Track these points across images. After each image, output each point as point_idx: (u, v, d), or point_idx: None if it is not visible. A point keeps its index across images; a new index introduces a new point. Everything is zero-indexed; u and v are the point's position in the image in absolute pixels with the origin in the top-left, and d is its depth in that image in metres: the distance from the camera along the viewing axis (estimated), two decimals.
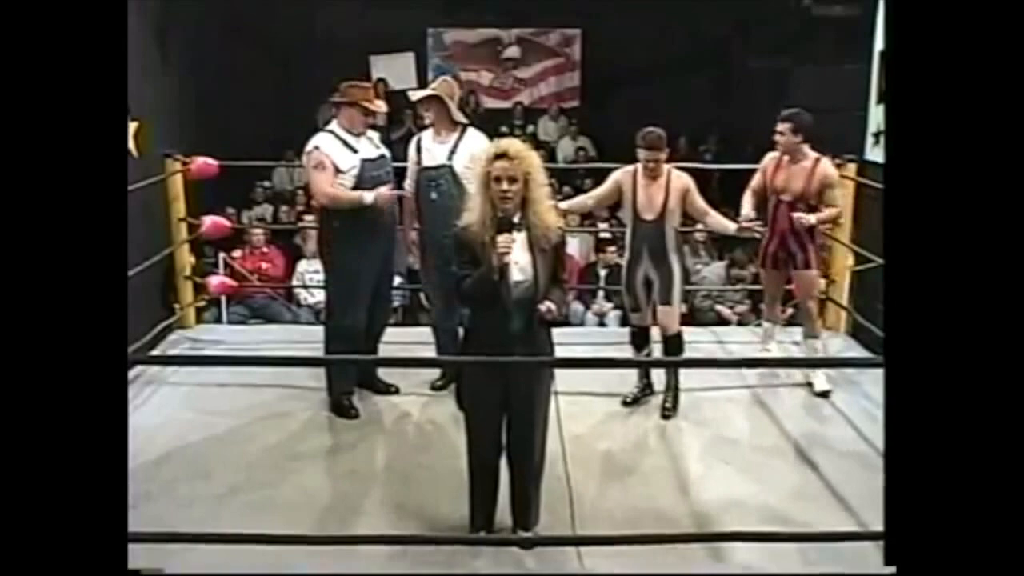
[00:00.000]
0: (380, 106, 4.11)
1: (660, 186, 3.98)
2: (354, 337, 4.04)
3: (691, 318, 6.75)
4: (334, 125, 4.04)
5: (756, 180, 4.57)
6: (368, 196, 3.90)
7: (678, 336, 4.11)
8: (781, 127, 4.39)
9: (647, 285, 4.09)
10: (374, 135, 4.18)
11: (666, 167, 4.01)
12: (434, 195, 4.05)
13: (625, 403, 4.17)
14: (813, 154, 4.38)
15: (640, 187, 4.01)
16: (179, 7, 7.89)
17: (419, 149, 4.15)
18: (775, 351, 4.74)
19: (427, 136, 4.16)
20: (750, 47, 9.73)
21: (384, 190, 3.95)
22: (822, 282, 4.86)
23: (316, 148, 3.95)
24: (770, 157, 4.49)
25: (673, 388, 4.11)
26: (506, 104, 10.83)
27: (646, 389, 4.23)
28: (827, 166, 4.36)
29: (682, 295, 4.17)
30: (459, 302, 3.27)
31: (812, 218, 4.27)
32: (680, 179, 4.01)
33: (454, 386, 4.08)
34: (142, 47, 6.20)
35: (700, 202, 4.04)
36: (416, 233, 4.29)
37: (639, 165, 4.00)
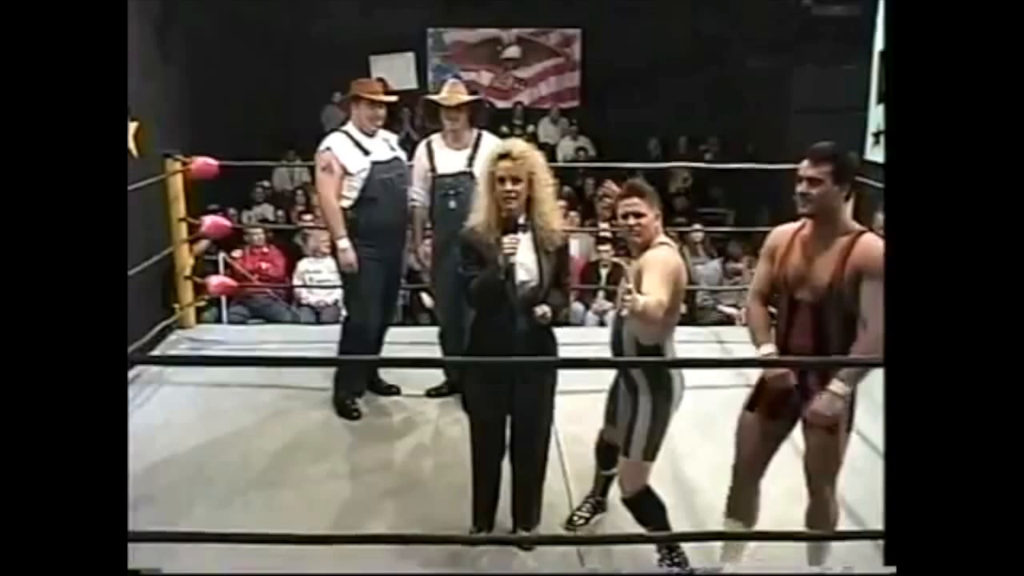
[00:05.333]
0: (387, 98, 4.09)
1: (634, 268, 2.77)
2: (369, 335, 4.06)
3: (692, 318, 6.74)
4: (349, 126, 4.05)
5: (761, 274, 2.80)
6: (344, 243, 3.95)
7: (644, 495, 2.88)
8: (813, 171, 2.54)
9: (628, 398, 2.89)
10: (391, 136, 4.17)
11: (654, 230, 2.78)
12: (453, 203, 3.92)
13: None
14: (853, 224, 2.60)
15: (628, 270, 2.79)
16: (179, 7, 7.89)
17: (431, 155, 4.06)
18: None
19: (438, 141, 4.07)
20: (750, 47, 9.75)
21: (352, 255, 3.95)
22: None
23: (327, 149, 3.97)
24: (781, 232, 2.76)
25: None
26: (506, 104, 10.84)
27: (597, 508, 3.28)
28: (872, 242, 2.54)
29: (651, 447, 2.85)
30: (467, 303, 3.25)
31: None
32: (656, 257, 2.74)
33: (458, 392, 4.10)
34: (142, 47, 6.20)
35: (649, 283, 2.67)
36: (429, 239, 4.26)
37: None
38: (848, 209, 2.61)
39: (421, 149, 4.15)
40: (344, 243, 3.97)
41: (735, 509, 2.87)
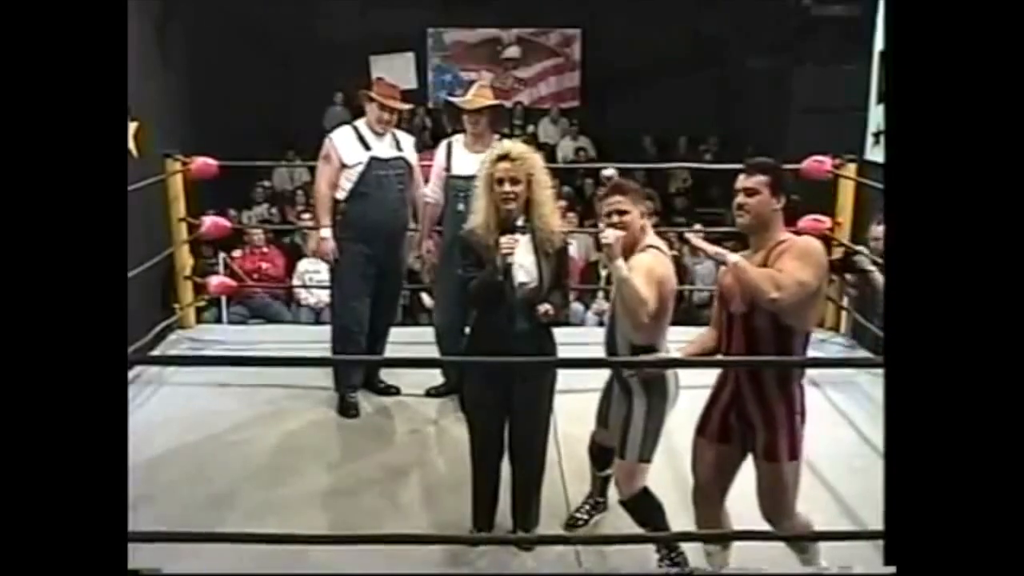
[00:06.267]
0: (399, 105, 4.09)
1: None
2: (354, 332, 4.07)
3: (688, 317, 6.74)
4: (360, 121, 4.10)
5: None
6: (325, 232, 4.01)
7: (641, 497, 2.87)
8: (750, 181, 2.56)
9: (622, 399, 2.92)
10: (406, 138, 4.18)
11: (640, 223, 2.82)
12: (461, 206, 3.88)
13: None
14: (786, 234, 2.61)
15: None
16: (179, 7, 7.90)
17: (449, 155, 4.07)
18: None
19: (459, 143, 4.07)
20: (750, 47, 9.76)
21: (330, 244, 4.01)
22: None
23: (329, 138, 4.05)
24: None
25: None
26: (506, 104, 10.84)
27: (597, 507, 3.27)
28: (804, 237, 2.70)
29: (647, 448, 2.86)
30: (468, 303, 3.25)
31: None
32: (646, 260, 2.78)
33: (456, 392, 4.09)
34: (142, 47, 6.20)
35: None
36: (434, 240, 4.26)
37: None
38: (782, 223, 2.61)
39: (442, 147, 4.15)
40: (325, 232, 4.02)
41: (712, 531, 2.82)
